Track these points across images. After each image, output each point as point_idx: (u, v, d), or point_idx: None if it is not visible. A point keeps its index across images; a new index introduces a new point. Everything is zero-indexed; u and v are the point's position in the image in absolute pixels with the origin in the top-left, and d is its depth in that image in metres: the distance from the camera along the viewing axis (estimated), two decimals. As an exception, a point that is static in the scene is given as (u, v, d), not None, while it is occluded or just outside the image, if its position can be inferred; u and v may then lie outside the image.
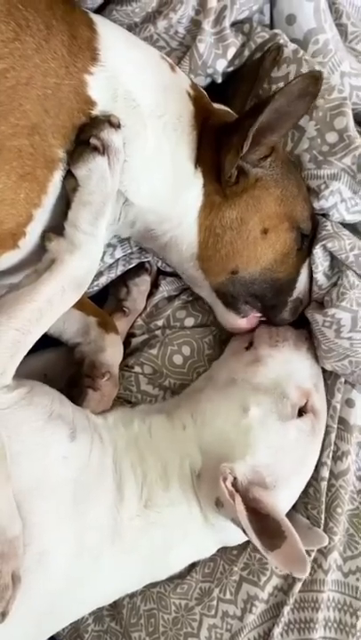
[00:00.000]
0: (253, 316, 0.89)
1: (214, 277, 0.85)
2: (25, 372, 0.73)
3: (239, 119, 0.78)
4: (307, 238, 0.86)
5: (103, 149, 0.68)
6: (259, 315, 0.89)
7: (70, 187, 0.70)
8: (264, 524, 0.69)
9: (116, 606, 0.92)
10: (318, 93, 0.75)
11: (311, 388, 0.84)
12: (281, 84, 0.89)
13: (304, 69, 0.87)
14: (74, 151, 0.69)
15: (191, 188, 0.79)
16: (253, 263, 0.82)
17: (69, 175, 0.70)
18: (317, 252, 0.86)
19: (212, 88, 0.91)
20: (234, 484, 0.72)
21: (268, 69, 0.90)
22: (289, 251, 0.84)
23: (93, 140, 0.68)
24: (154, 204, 0.79)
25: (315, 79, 0.73)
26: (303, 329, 0.90)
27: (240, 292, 0.85)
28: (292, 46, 0.89)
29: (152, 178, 0.76)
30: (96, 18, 0.74)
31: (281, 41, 0.89)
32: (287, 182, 0.83)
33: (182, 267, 0.88)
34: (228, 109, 0.87)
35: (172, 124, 0.77)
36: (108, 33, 0.73)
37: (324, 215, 0.89)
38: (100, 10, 0.80)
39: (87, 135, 0.68)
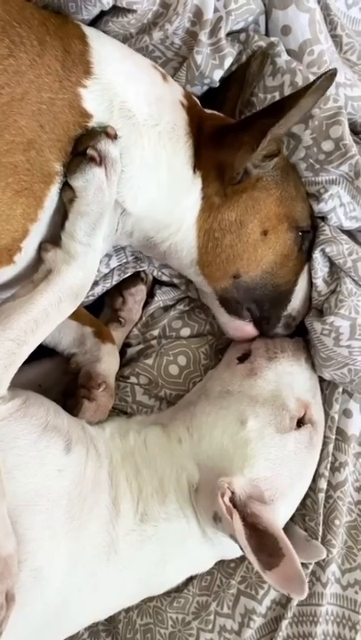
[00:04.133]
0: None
1: (217, 283, 0.85)
2: (20, 383, 0.72)
3: (252, 118, 0.79)
4: (307, 235, 0.87)
5: (100, 160, 0.68)
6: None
7: (67, 198, 0.70)
8: (262, 539, 0.68)
9: (111, 621, 0.91)
10: (329, 88, 0.76)
11: (310, 400, 0.84)
12: (276, 94, 0.90)
13: (298, 79, 0.87)
14: (71, 162, 0.69)
15: (190, 194, 0.80)
16: (254, 266, 0.82)
17: (66, 186, 0.70)
18: (317, 257, 0.86)
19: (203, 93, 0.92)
20: (232, 499, 0.71)
21: (255, 74, 0.90)
22: (289, 252, 0.84)
23: (90, 151, 0.68)
24: (151, 212, 0.79)
25: (331, 76, 0.74)
26: (299, 337, 0.90)
27: (244, 297, 0.85)
28: (285, 56, 0.90)
29: (149, 187, 0.76)
30: (88, 30, 0.75)
31: (278, 49, 0.89)
32: (287, 184, 0.83)
33: (184, 273, 0.88)
34: (221, 114, 0.88)
35: (168, 133, 0.77)
36: (101, 45, 0.74)
37: (323, 219, 0.89)
38: (95, 20, 0.80)
39: (84, 146, 0.68)
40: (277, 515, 0.75)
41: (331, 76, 0.73)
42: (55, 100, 0.67)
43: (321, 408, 0.87)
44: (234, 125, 0.80)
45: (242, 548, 0.69)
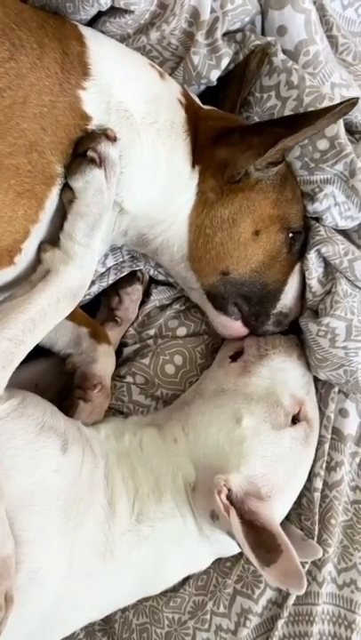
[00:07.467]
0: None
1: (206, 278, 0.85)
2: (16, 382, 0.72)
3: (265, 124, 0.80)
4: (299, 237, 0.87)
5: (100, 162, 0.69)
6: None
7: (67, 199, 0.70)
8: (260, 536, 0.69)
9: (108, 621, 0.91)
10: (347, 114, 0.77)
11: (304, 396, 0.84)
12: (272, 93, 0.90)
13: (294, 78, 0.88)
14: (71, 163, 0.69)
15: (186, 189, 0.80)
16: (244, 264, 0.83)
17: (66, 187, 0.70)
18: (312, 257, 0.86)
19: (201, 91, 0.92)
20: (229, 496, 0.71)
21: (254, 71, 0.91)
22: (279, 252, 0.85)
23: (90, 153, 0.68)
24: (148, 210, 0.79)
25: (353, 104, 0.75)
26: (292, 334, 0.90)
27: (231, 292, 0.85)
28: (281, 56, 0.90)
29: (148, 186, 0.77)
30: (85, 31, 0.75)
31: (275, 48, 0.89)
32: (284, 187, 0.84)
33: (174, 269, 0.88)
34: (220, 110, 0.89)
35: (166, 131, 0.77)
36: (98, 45, 0.74)
37: (317, 220, 0.89)
38: (93, 20, 0.80)
39: (84, 148, 0.69)
40: (274, 511, 0.75)
41: (352, 104, 0.74)
42: (56, 103, 0.67)
43: (315, 405, 0.87)
44: (244, 127, 0.81)
45: (240, 546, 0.69)
